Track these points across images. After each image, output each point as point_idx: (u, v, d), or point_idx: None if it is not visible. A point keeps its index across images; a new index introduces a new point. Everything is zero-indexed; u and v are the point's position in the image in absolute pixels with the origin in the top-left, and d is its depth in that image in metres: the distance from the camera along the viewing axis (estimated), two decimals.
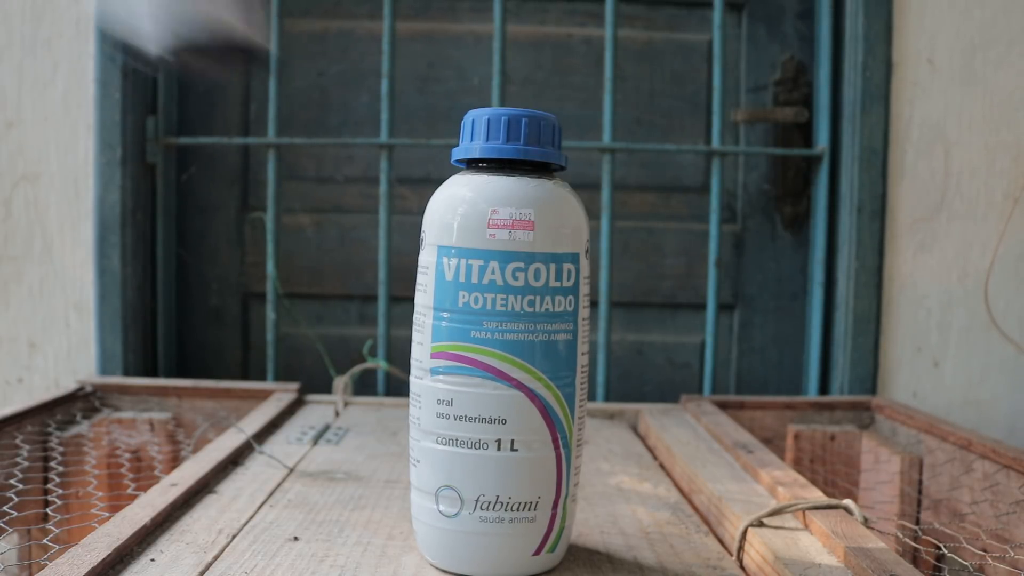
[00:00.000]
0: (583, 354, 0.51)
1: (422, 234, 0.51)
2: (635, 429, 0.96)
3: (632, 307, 1.25)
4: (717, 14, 1.11)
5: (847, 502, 0.60)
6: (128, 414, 0.98)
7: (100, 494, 0.82)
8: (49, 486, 0.83)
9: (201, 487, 0.66)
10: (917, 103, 1.13)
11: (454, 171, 0.52)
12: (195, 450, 0.87)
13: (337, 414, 0.96)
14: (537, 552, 0.50)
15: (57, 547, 0.58)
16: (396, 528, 0.60)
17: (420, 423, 0.50)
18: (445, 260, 0.49)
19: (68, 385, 1.03)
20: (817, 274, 1.19)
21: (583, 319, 0.51)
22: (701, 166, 1.25)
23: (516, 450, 0.48)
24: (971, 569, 0.72)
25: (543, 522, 0.50)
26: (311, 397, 1.02)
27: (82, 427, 0.94)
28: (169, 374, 1.21)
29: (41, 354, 1.13)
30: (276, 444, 0.81)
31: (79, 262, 1.12)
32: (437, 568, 0.52)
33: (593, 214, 1.07)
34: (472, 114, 0.51)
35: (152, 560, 0.52)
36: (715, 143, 1.13)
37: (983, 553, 0.71)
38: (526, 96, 1.23)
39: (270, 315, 1.13)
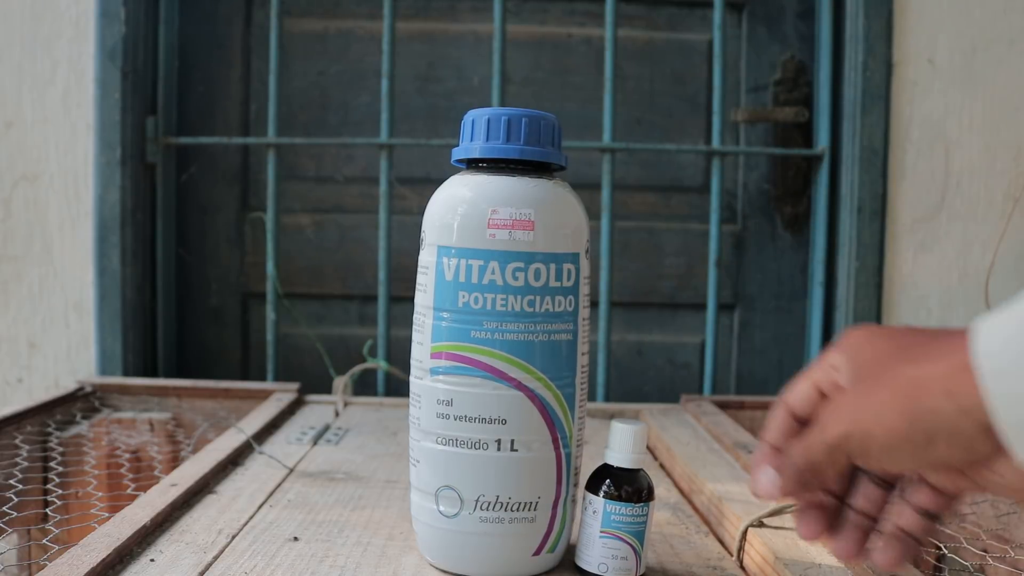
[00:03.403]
0: (583, 354, 0.51)
1: (422, 234, 0.51)
2: None
3: (632, 307, 1.25)
4: (717, 14, 1.11)
5: None
6: (128, 414, 0.98)
7: (100, 494, 0.82)
8: (49, 486, 0.83)
9: (201, 487, 0.66)
10: (917, 103, 1.13)
11: (454, 171, 0.52)
12: (195, 450, 0.87)
13: (337, 414, 0.96)
14: (537, 552, 0.50)
15: (57, 547, 0.58)
16: (396, 528, 0.60)
17: (420, 423, 0.50)
18: (445, 260, 0.49)
19: (68, 385, 1.03)
20: (817, 274, 1.19)
21: (583, 319, 0.51)
22: (701, 166, 1.25)
23: (516, 450, 0.48)
24: (971, 569, 0.72)
25: (543, 522, 0.50)
26: (311, 397, 1.02)
27: (82, 427, 0.94)
28: (169, 374, 1.21)
29: (41, 354, 1.13)
30: (276, 444, 0.81)
31: (79, 262, 1.12)
32: (437, 568, 0.52)
33: (593, 214, 1.07)
34: (472, 114, 0.51)
35: (152, 560, 0.52)
36: (715, 143, 1.13)
37: (983, 553, 0.71)
38: (526, 96, 1.23)
39: (270, 315, 1.13)
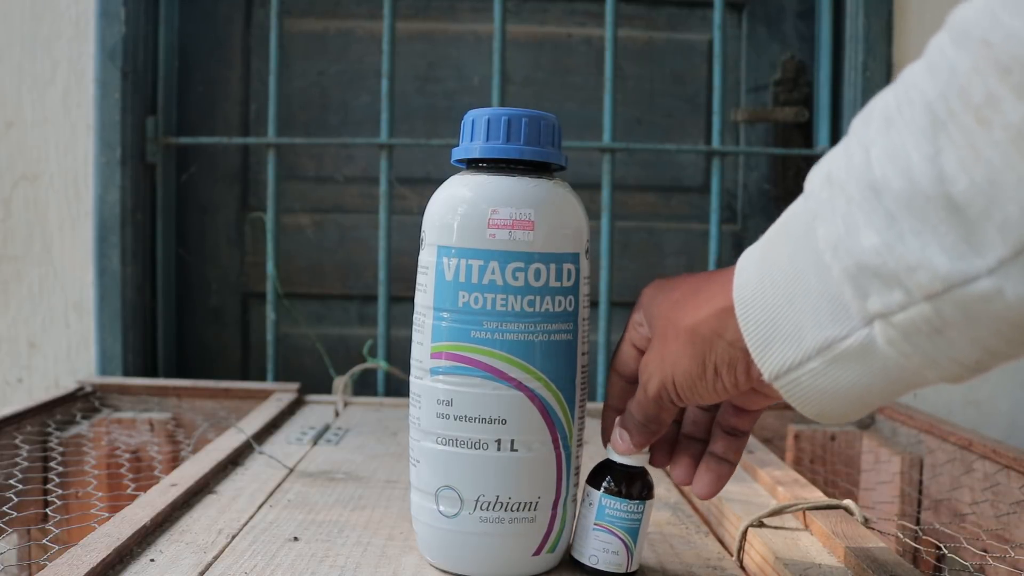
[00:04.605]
0: (583, 354, 0.51)
1: (422, 234, 0.51)
2: None
3: (632, 307, 1.25)
4: (717, 14, 1.11)
5: (847, 502, 0.59)
6: (128, 414, 0.98)
7: (100, 494, 0.82)
8: (49, 486, 0.83)
9: (201, 487, 0.66)
10: None
11: (454, 171, 0.52)
12: (195, 450, 0.87)
13: (337, 414, 0.96)
14: (537, 552, 0.50)
15: (57, 547, 0.58)
16: (396, 528, 0.60)
17: (420, 423, 0.50)
18: (445, 260, 0.49)
19: (68, 385, 1.03)
20: None
21: (583, 319, 0.51)
22: (701, 166, 1.25)
23: (516, 450, 0.48)
24: (971, 569, 0.72)
25: (543, 522, 0.50)
26: (311, 397, 1.02)
27: (82, 427, 0.94)
28: (169, 374, 1.21)
29: (41, 354, 1.13)
30: (276, 444, 0.81)
31: (79, 262, 1.12)
32: (437, 568, 0.52)
33: (593, 214, 1.07)
34: (472, 114, 0.51)
35: (152, 560, 0.52)
36: (715, 143, 1.13)
37: (983, 553, 0.71)
38: (526, 96, 1.23)
39: (270, 315, 1.13)
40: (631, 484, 0.50)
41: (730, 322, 0.39)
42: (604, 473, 0.50)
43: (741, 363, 0.40)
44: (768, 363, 0.37)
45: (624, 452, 0.48)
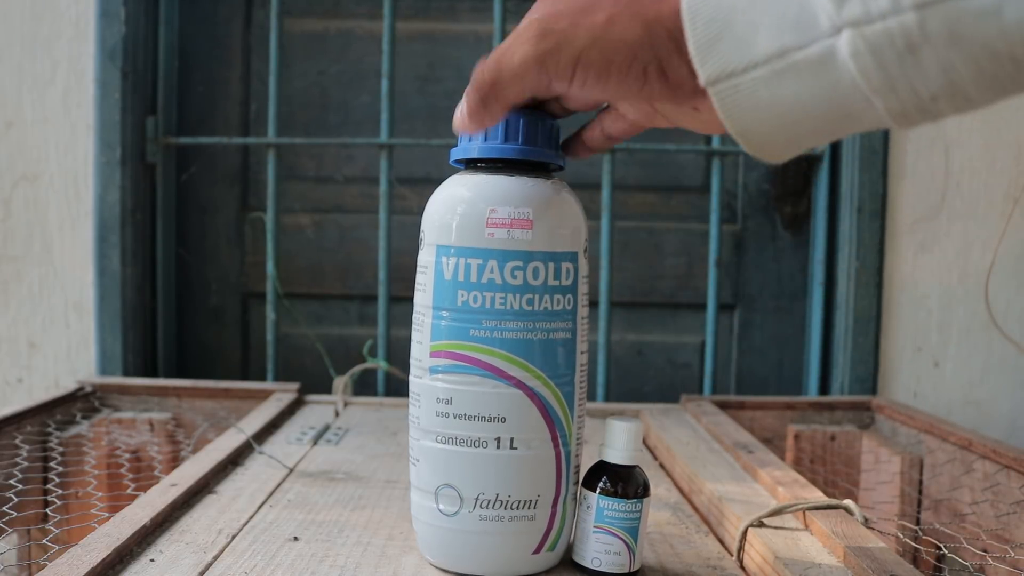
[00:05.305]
0: (582, 353, 0.51)
1: (421, 234, 0.51)
2: None
3: (632, 307, 1.25)
4: None
5: (847, 502, 0.59)
6: (128, 414, 0.98)
7: (100, 494, 0.82)
8: (49, 486, 0.83)
9: (201, 487, 0.66)
10: None
11: (453, 171, 0.52)
12: (195, 450, 0.87)
13: (337, 414, 0.96)
14: (537, 551, 0.50)
15: (57, 547, 0.58)
16: (396, 528, 0.60)
17: (419, 422, 0.50)
18: (444, 259, 0.49)
19: (68, 385, 1.03)
20: (817, 274, 1.19)
21: (582, 318, 0.51)
22: (701, 166, 1.25)
23: (515, 448, 0.48)
24: (971, 569, 0.72)
25: (543, 521, 0.50)
26: (311, 397, 1.02)
27: (82, 427, 0.94)
28: (169, 374, 1.21)
29: (41, 354, 1.13)
30: (276, 444, 0.81)
31: (79, 262, 1.12)
32: (437, 567, 0.52)
33: (593, 214, 1.07)
34: None
35: (152, 560, 0.52)
36: (715, 143, 1.13)
37: (983, 553, 0.71)
38: None
39: (270, 315, 1.13)
40: (627, 483, 0.50)
41: (675, 20, 0.36)
42: (599, 475, 0.50)
43: (668, 63, 0.37)
44: (709, 65, 0.35)
45: (457, 127, 0.45)
